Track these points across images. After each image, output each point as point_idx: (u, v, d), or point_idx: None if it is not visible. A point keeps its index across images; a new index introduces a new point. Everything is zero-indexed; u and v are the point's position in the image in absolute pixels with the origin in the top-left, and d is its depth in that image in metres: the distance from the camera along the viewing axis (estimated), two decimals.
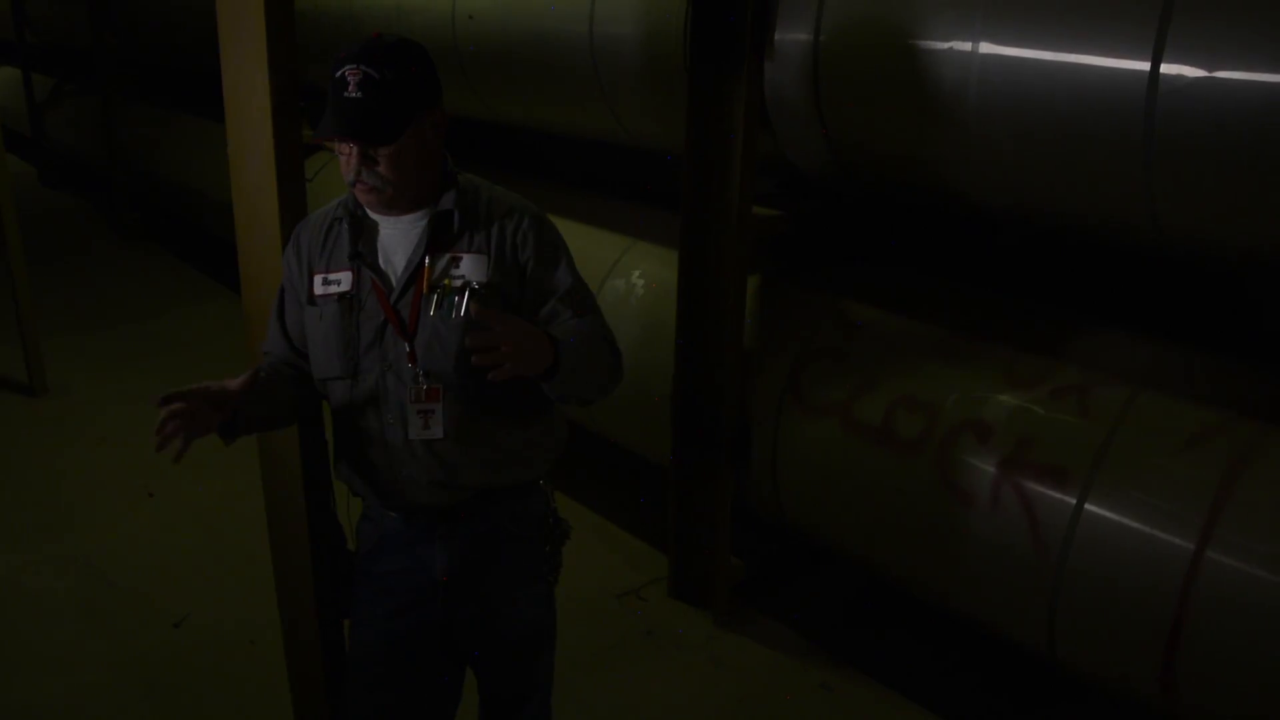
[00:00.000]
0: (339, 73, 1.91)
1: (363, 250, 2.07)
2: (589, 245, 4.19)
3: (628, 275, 4.08)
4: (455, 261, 2.04)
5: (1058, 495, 2.76)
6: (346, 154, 1.96)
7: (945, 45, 2.83)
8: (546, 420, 2.19)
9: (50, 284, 7.01)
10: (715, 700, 3.34)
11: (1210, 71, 2.34)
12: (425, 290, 2.02)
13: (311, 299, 2.10)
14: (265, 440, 2.62)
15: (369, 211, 2.08)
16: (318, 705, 2.79)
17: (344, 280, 2.06)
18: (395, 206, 2.04)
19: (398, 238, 2.07)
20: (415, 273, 2.04)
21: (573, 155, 5.38)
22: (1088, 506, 2.70)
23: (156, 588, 3.85)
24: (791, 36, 3.20)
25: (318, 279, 2.09)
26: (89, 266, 8.07)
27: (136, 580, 3.90)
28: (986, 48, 2.75)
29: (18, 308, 5.41)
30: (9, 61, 11.05)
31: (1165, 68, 2.40)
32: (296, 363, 2.19)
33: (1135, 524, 2.62)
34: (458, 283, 2.02)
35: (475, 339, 1.81)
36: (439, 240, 2.05)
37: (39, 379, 5.54)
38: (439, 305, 2.01)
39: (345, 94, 1.89)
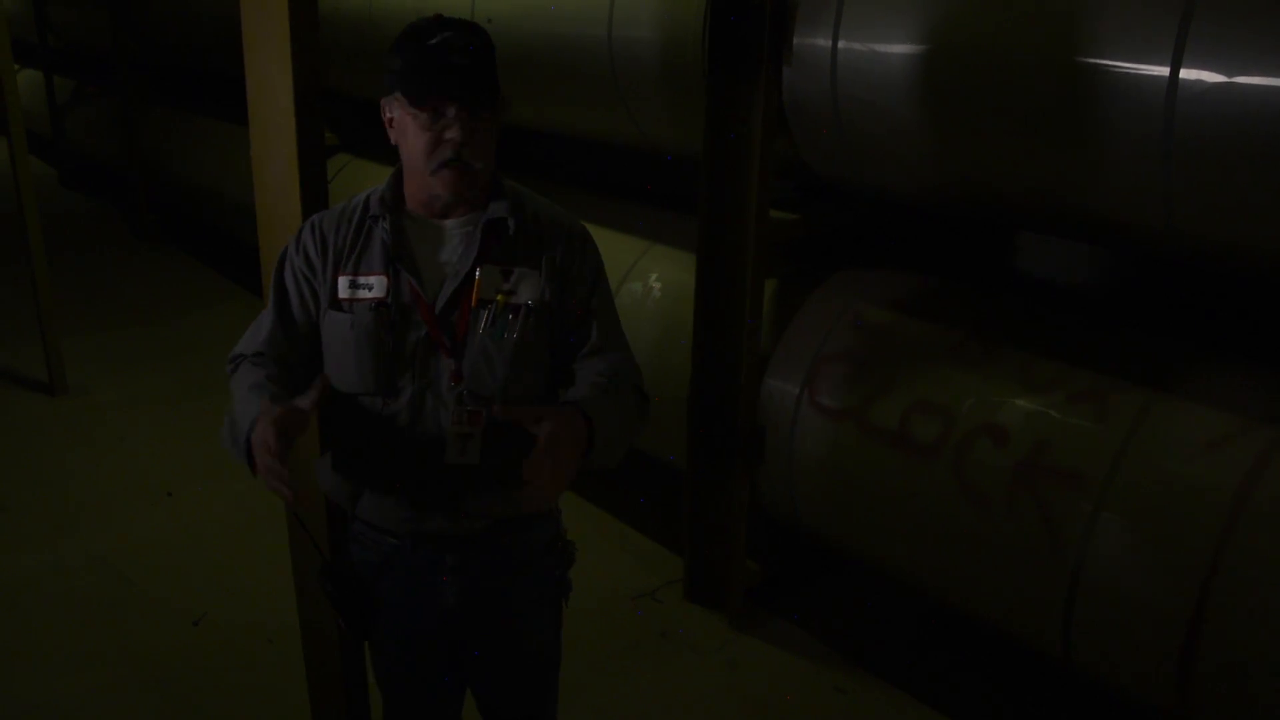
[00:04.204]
0: (435, 39, 1.77)
1: (403, 254, 1.89)
2: (605, 248, 4.14)
3: (645, 278, 4.09)
4: (507, 275, 1.88)
5: (1074, 499, 2.75)
6: (435, 133, 1.78)
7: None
8: None
9: (70, 284, 7.05)
10: (729, 703, 3.35)
11: (1229, 77, 2.34)
12: (474, 305, 1.86)
13: (336, 302, 1.91)
14: None
15: (412, 211, 1.92)
16: (335, 704, 2.80)
17: (376, 285, 1.88)
18: (463, 202, 1.89)
19: (440, 243, 1.91)
20: (462, 284, 1.87)
21: (589, 158, 5.39)
22: (1105, 511, 2.69)
23: (174, 587, 3.88)
24: (810, 41, 3.20)
25: (343, 280, 1.90)
26: (108, 267, 8.12)
27: (154, 579, 3.93)
28: None
29: (38, 307, 5.45)
30: (31, 64, 11.13)
31: (1184, 73, 2.40)
32: (291, 366, 1.98)
33: (1153, 528, 2.62)
34: (511, 299, 1.88)
35: (530, 472, 1.65)
36: (489, 250, 1.89)
37: (59, 378, 5.58)
38: (491, 323, 1.86)
39: (450, 58, 1.75)
